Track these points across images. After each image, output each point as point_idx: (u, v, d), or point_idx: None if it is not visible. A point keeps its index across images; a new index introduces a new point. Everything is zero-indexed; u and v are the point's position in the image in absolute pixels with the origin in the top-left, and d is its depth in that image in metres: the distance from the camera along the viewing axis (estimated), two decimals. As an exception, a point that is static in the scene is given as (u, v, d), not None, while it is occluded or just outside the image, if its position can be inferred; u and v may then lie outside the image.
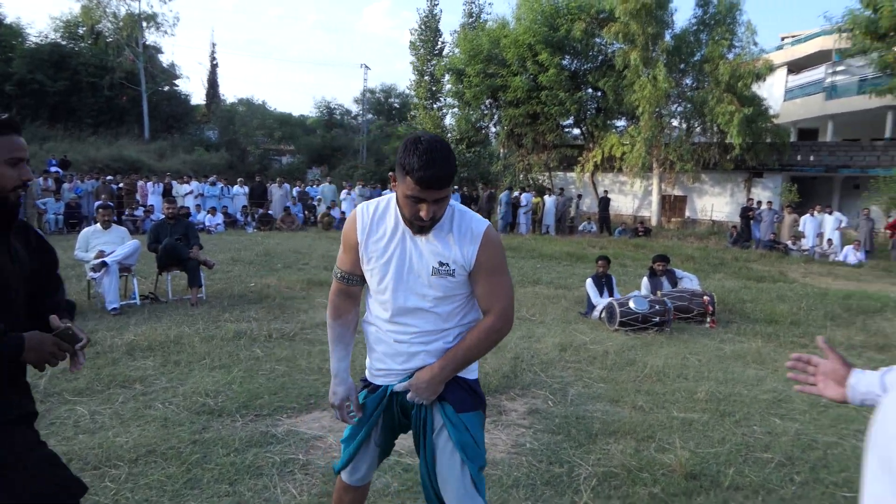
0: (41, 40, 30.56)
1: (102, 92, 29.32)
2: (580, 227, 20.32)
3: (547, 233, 19.68)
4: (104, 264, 6.60)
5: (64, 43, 30.70)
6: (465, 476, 1.91)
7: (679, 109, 23.85)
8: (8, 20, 30.78)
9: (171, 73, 34.08)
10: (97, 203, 14.48)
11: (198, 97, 40.20)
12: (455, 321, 1.97)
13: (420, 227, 1.84)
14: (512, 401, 4.31)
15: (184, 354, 5.13)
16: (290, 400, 4.15)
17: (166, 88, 33.83)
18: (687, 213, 25.27)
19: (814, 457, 3.56)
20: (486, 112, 29.38)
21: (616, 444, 3.62)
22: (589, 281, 7.67)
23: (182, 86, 35.70)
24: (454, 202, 1.94)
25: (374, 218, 1.96)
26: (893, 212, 17.68)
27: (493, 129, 30.61)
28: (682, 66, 22.68)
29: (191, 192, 18.17)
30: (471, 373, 2.02)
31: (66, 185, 16.43)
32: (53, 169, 18.27)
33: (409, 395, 1.93)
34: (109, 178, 18.64)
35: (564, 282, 10.12)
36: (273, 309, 7.03)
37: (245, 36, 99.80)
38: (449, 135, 31.97)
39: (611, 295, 7.50)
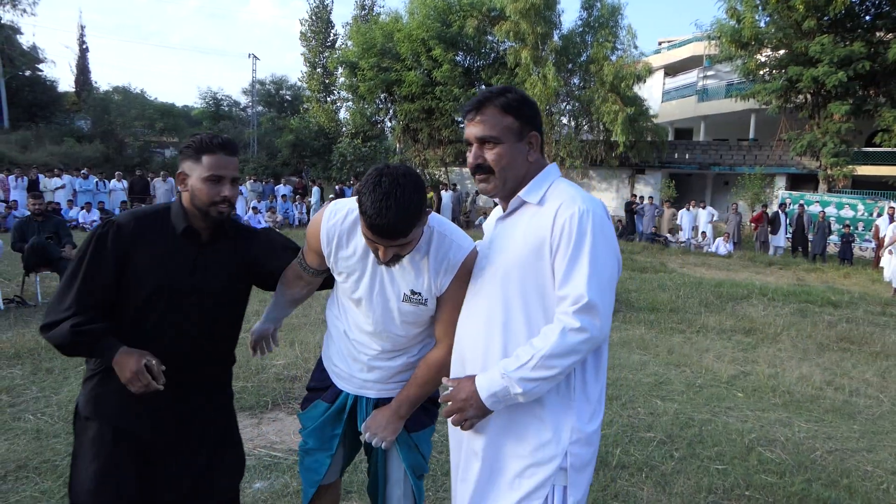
0: None
1: (-52, 75, 26.23)
2: (476, 222, 20.76)
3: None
4: (-41, 265, 5.93)
5: None
6: (407, 486, 1.91)
7: (568, 108, 24.94)
8: None
9: (32, 57, 31.03)
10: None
11: (66, 84, 37.01)
12: (421, 338, 1.90)
13: (384, 263, 1.68)
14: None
15: (57, 361, 4.72)
16: (181, 404, 3.94)
17: (28, 73, 30.79)
18: (576, 208, 26.52)
19: (690, 434, 3.85)
20: (381, 106, 29.23)
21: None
22: None
23: (47, 71, 32.58)
24: (435, 221, 1.78)
25: (343, 232, 1.79)
26: (757, 206, 19.51)
27: (389, 124, 30.53)
28: (569, 65, 23.71)
29: (62, 187, 16.69)
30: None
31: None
32: None
33: (366, 437, 1.84)
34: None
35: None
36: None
37: (117, 19, 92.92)
38: (344, 128, 31.53)
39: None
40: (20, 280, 7.00)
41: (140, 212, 1.90)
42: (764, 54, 21.18)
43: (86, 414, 1.82)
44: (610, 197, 26.03)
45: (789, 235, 17.42)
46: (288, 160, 30.81)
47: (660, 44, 34.92)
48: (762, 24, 20.47)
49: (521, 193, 1.62)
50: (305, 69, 37.05)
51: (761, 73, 21.34)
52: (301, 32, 36.56)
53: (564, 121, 25.23)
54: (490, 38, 24.57)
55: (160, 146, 32.41)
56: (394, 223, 1.53)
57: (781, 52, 20.63)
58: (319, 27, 36.26)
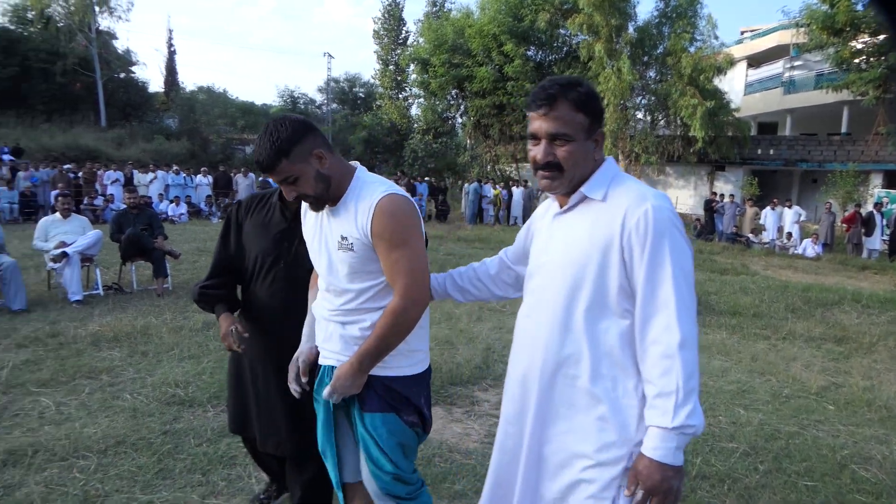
0: (-14, 25, 29.26)
1: (55, 78, 28.21)
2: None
3: (515, 224, 19.81)
4: (65, 255, 6.40)
5: (12, 27, 29.44)
6: (371, 483, 1.88)
7: (643, 102, 24.24)
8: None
9: (126, 60, 33.02)
10: (55, 192, 14.03)
11: (156, 84, 39.13)
12: (371, 304, 1.84)
13: (309, 205, 1.85)
14: (484, 391, 4.34)
15: (151, 345, 5.03)
16: (262, 391, 4.11)
17: (122, 75, 32.79)
18: (651, 206, 25.76)
19: (776, 446, 3.67)
20: (451, 102, 29.36)
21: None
22: None
23: (139, 73, 34.66)
24: (362, 173, 1.86)
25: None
26: (850, 206, 18.33)
27: (460, 120, 30.62)
28: (645, 58, 23.03)
29: (154, 179, 17.72)
30: (391, 369, 1.86)
31: (20, 174, 15.84)
32: (6, 157, 17.60)
33: (325, 393, 1.83)
34: (67, 166, 18.01)
35: (533, 272, 10.21)
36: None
37: (202, 22, 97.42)
38: (415, 125, 31.87)
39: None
40: (118, 268, 7.49)
41: (257, 192, 2.42)
42: (860, 41, 19.77)
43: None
44: (687, 194, 25.12)
45: (886, 237, 16.22)
46: (361, 156, 31.45)
47: (742, 33, 33.32)
48: (859, 8, 19.13)
49: (583, 189, 1.56)
50: (378, 67, 37.64)
51: (856, 61, 19.94)
52: (374, 31, 37.20)
53: (640, 115, 24.55)
54: (562, 31, 24.21)
55: (241, 143, 33.79)
56: (263, 156, 1.73)
57: (881, 37, 19.22)
58: (391, 25, 36.74)
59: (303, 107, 38.34)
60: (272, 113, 39.81)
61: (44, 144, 22.98)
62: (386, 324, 1.77)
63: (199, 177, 19.21)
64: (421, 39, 30.18)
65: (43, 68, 27.94)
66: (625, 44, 21.83)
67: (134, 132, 28.51)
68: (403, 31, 36.99)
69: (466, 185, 20.92)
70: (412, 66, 30.02)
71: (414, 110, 34.35)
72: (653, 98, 23.54)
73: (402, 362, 1.89)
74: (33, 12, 29.28)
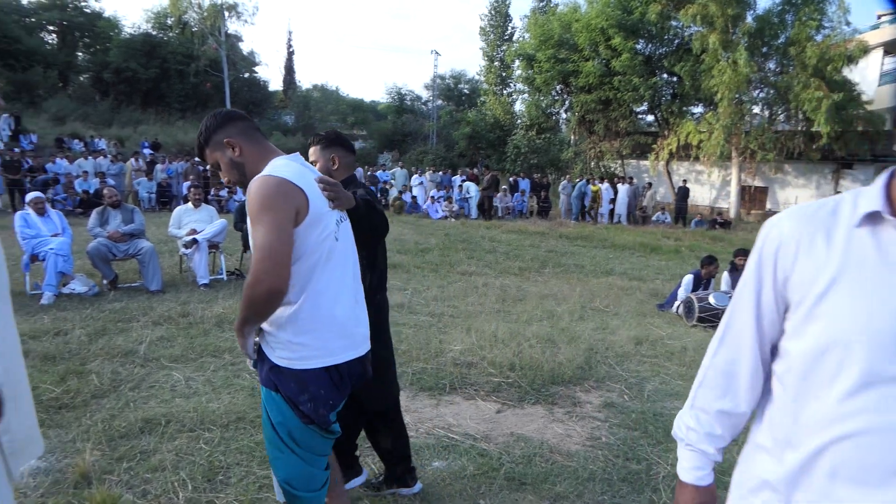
0: (134, 31, 32.53)
1: (189, 79, 30.83)
2: (654, 218, 19.77)
3: (619, 222, 19.27)
4: (195, 241, 6.98)
5: (154, 33, 32.47)
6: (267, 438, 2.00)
7: (761, 95, 22.69)
8: (106, 14, 32.92)
9: (250, 61, 35.34)
10: (187, 183, 15.27)
11: (276, 83, 41.46)
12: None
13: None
14: (586, 392, 4.29)
15: (268, 329, 5.37)
16: (368, 379, 4.28)
17: (246, 75, 35.11)
18: (768, 206, 24.13)
19: None
20: (556, 98, 28.96)
21: (696, 441, 3.54)
22: (689, 277, 7.30)
23: (261, 72, 36.96)
24: (277, 160, 1.92)
25: None
26: None
27: (564, 116, 30.16)
28: (764, 49, 21.50)
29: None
30: (272, 353, 1.89)
31: (158, 166, 17.38)
32: (146, 151, 19.38)
33: None
34: (197, 159, 19.54)
35: (638, 273, 9.91)
36: (349, 290, 7.24)
37: (318, 23, 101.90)
38: (519, 121, 31.71)
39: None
40: (239, 255, 8.06)
41: None
42: None
43: None
44: (808, 194, 23.29)
45: None
46: (464, 152, 31.74)
47: (879, 17, 30.27)
48: None
49: None
50: (483, 63, 37.80)
51: None
52: (480, 27, 37.31)
53: (756, 110, 23.00)
54: (674, 23, 23.12)
55: (350, 138, 35.18)
56: (195, 146, 2.10)
57: None
58: (498, 21, 36.73)
59: (409, 103, 39.23)
60: (379, 109, 41.15)
61: (178, 139, 25.08)
62: (243, 295, 1.80)
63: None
64: (527, 35, 29.96)
65: (179, 70, 30.61)
66: (742, 34, 20.50)
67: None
68: (509, 28, 36.91)
69: (564, 181, 20.56)
70: (517, 62, 29.87)
71: (518, 106, 34.22)
72: (772, 91, 21.95)
73: (282, 352, 1.88)
74: (172, 19, 32.04)
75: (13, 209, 12.76)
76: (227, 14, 31.74)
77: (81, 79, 32.09)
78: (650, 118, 27.80)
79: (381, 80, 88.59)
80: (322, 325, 1.90)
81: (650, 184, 22.14)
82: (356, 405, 2.58)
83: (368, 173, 22.02)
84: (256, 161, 1.95)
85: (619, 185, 20.22)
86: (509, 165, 27.26)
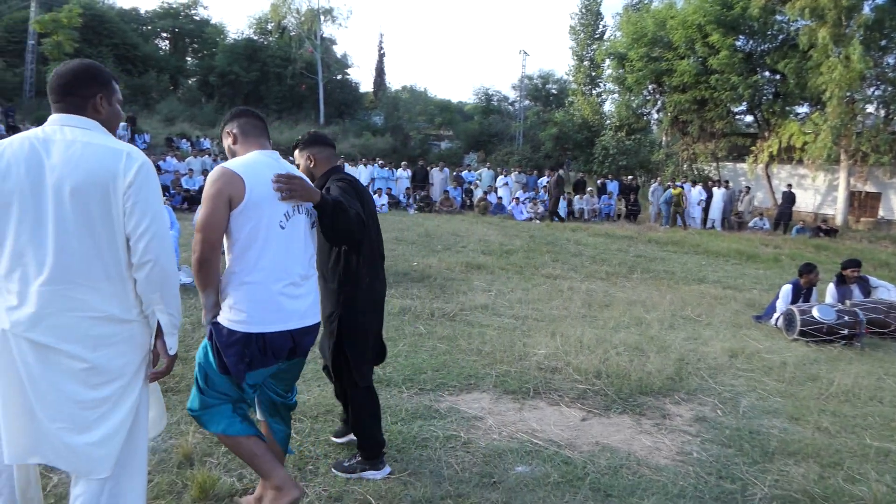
0: (238, 36, 34.42)
1: (286, 81, 32.33)
2: (751, 224, 18.71)
3: (712, 227, 18.39)
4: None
5: (256, 38, 34.26)
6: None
7: (877, 93, 20.93)
8: (213, 21, 35.12)
9: (343, 63, 36.51)
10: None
11: (367, 85, 42.63)
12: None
13: None
14: (676, 405, 4.12)
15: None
16: (451, 378, 4.31)
17: (339, 77, 36.32)
18: (881, 213, 22.24)
19: None
20: (648, 98, 28.10)
21: (796, 466, 3.32)
22: (788, 287, 6.86)
23: (352, 74, 38.18)
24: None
25: None
26: None
27: (656, 116, 29.18)
28: (883, 42, 19.81)
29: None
30: (220, 311, 2.32)
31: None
32: (244, 150, 20.40)
33: None
34: (290, 159, 20.38)
35: (733, 282, 9.42)
36: (434, 288, 7.32)
37: (409, 25, 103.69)
38: (608, 121, 30.96)
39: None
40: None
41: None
42: None
43: None
44: (929, 202, 21.32)
45: None
46: (551, 153, 31.36)
47: None
48: None
49: None
50: (572, 63, 37.21)
51: None
52: (570, 26, 36.72)
53: (870, 109, 21.25)
54: (779, 17, 21.75)
55: (437, 139, 35.60)
56: None
57: None
58: (589, 20, 36.02)
59: (496, 104, 39.20)
60: (466, 109, 41.38)
61: (274, 139, 26.17)
62: None
63: (400, 170, 20.56)
64: (618, 33, 29.25)
65: (277, 72, 32.18)
66: (857, 27, 18.96)
67: (346, 128, 31.48)
68: (600, 26, 36.13)
69: (654, 184, 19.84)
70: (608, 62, 29.23)
71: (607, 106, 33.46)
72: (889, 88, 20.21)
73: (225, 313, 2.28)
74: (272, 24, 33.70)
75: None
76: (322, 18, 32.98)
77: (190, 82, 34.30)
78: (749, 119, 26.40)
79: (469, 81, 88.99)
80: (257, 298, 2.26)
81: (748, 188, 20.97)
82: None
83: (454, 174, 22.16)
84: (241, 153, 2.37)
85: (715, 189, 19.29)
86: (597, 167, 26.67)
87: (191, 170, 17.04)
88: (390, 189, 19.31)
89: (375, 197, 17.98)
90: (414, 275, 8.10)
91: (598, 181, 21.38)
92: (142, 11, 35.89)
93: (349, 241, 2.66)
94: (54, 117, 1.92)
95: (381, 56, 42.65)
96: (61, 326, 1.82)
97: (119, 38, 29.82)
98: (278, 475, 2.35)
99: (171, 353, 2.05)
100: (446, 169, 21.44)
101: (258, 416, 2.62)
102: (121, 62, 29.79)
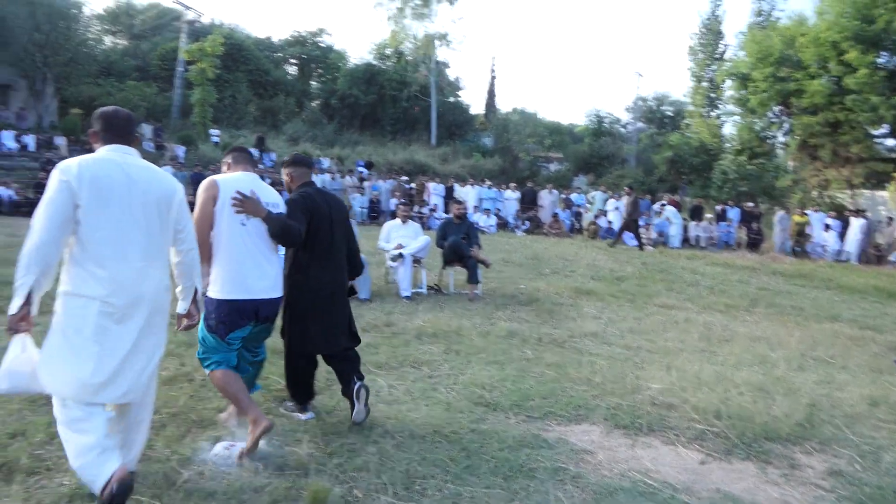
0: (358, 62, 36.21)
1: (401, 104, 33.60)
2: (892, 258, 16.98)
3: (847, 261, 16.88)
4: (401, 255, 7.50)
5: (375, 63, 35.90)
6: None
7: None
8: (336, 47, 37.42)
9: (455, 86, 37.34)
10: (395, 200, 16.50)
11: (477, 107, 43.29)
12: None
13: None
14: (807, 455, 3.79)
15: (463, 345, 5.57)
16: (560, 407, 4.22)
17: (451, 99, 37.17)
18: None
19: None
20: (773, 120, 26.39)
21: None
22: None
23: (464, 97, 38.96)
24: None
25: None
26: None
27: (782, 139, 27.34)
28: None
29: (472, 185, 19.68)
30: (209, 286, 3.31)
31: (366, 184, 19.08)
32: (361, 169, 21.39)
33: None
34: (404, 178, 21.13)
35: (872, 322, 8.56)
36: (542, 313, 7.24)
37: (521, 48, 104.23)
38: (728, 144, 29.40)
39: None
40: (438, 271, 8.49)
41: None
42: None
43: None
44: None
45: None
46: (665, 176, 30.22)
47: None
48: None
49: None
50: (690, 84, 35.77)
51: None
52: (689, 47, 35.36)
53: None
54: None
55: (546, 161, 35.41)
56: None
57: None
58: (709, 39, 34.53)
59: (607, 126, 38.46)
60: (577, 132, 40.90)
61: (388, 159, 27.33)
62: None
63: (508, 191, 20.61)
64: (741, 53, 27.76)
65: (393, 95, 33.56)
66: None
67: (456, 149, 32.09)
68: (721, 46, 34.52)
69: (780, 212, 18.53)
70: (729, 82, 27.80)
71: (727, 129, 31.77)
72: None
73: (211, 287, 3.26)
74: (391, 49, 35.23)
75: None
76: (438, 43, 33.95)
77: (313, 104, 36.39)
78: (891, 142, 24.06)
79: (580, 103, 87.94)
80: (230, 275, 3.23)
81: (890, 218, 19.07)
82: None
83: (563, 196, 21.90)
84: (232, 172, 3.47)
85: (852, 219, 17.71)
86: (714, 192, 25.33)
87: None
88: (499, 210, 19.40)
89: (483, 217, 18.14)
90: (521, 298, 8.06)
91: (717, 207, 20.30)
92: (274, 40, 38.70)
93: (289, 244, 3.61)
94: (120, 147, 2.66)
95: (493, 79, 43.14)
96: (141, 294, 2.59)
97: (253, 64, 32.31)
98: (253, 411, 3.14)
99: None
100: (555, 191, 21.23)
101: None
102: (254, 86, 32.24)
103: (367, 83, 33.57)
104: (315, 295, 3.69)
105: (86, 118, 24.22)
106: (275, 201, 3.43)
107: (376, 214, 18.00)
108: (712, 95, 33.89)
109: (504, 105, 54.75)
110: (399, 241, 7.83)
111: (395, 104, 33.85)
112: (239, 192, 3.20)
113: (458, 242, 7.87)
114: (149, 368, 2.66)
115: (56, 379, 2.46)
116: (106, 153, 2.61)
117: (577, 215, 19.95)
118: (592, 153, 33.78)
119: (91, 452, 2.42)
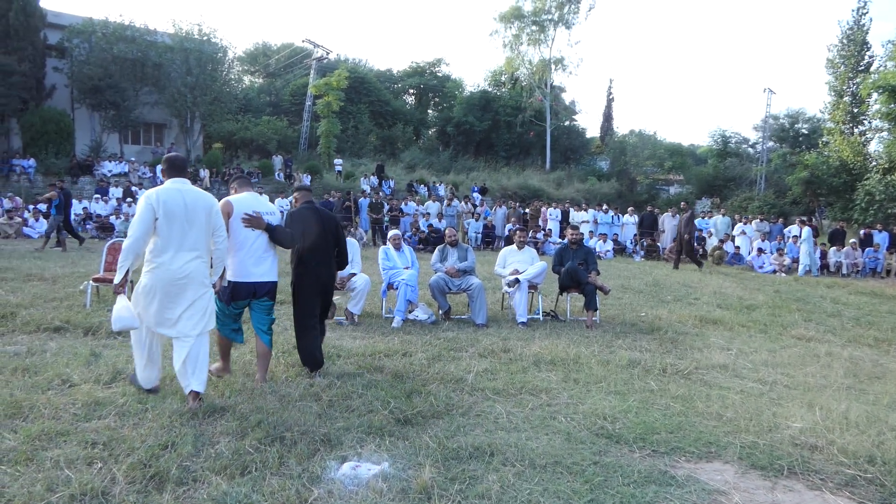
0: (474, 89, 37.03)
1: (515, 129, 33.89)
2: None
3: None
4: (517, 281, 7.50)
5: (490, 89, 36.56)
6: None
7: None
8: (453, 76, 38.62)
9: (571, 110, 37.07)
10: (510, 225, 16.54)
11: (593, 130, 42.68)
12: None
13: None
14: None
15: (582, 374, 5.43)
16: (689, 443, 3.99)
17: (567, 123, 36.91)
18: None
19: None
20: (927, 136, 23.71)
21: None
22: None
23: (579, 120, 38.57)
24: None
25: None
26: None
27: (939, 156, 24.49)
28: None
29: (586, 221, 19.22)
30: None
31: (478, 209, 19.31)
32: (475, 195, 21.70)
33: None
34: (517, 203, 21.19)
35: None
36: (665, 342, 6.93)
37: (640, 69, 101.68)
38: (874, 163, 26.77)
39: None
40: (554, 297, 8.38)
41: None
42: None
43: None
44: None
45: None
46: (799, 198, 28.01)
47: None
48: None
49: None
50: (829, 99, 33.05)
51: None
52: (827, 59, 32.76)
53: None
54: None
55: (666, 183, 34.06)
56: None
57: None
58: (851, 50, 31.81)
59: (733, 146, 36.40)
60: (699, 153, 39.03)
61: (502, 184, 27.56)
62: None
63: (626, 216, 20.01)
64: (889, 63, 25.31)
65: (507, 121, 33.95)
66: None
67: (571, 174, 31.78)
68: (866, 57, 31.67)
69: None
70: (876, 96, 25.38)
71: (873, 146, 28.96)
72: None
73: (227, 272, 4.62)
74: (506, 75, 35.75)
75: (374, 243, 15.39)
76: (553, 68, 33.96)
77: (430, 132, 37.62)
78: None
79: (703, 123, 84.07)
80: (238, 264, 4.63)
81: None
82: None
83: (683, 217, 20.84)
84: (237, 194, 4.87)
85: None
86: (858, 215, 23.11)
87: (427, 213, 18.50)
88: (616, 235, 18.87)
89: (600, 243, 17.73)
90: (642, 326, 7.76)
91: (861, 231, 18.50)
92: (394, 71, 40.56)
93: (286, 246, 4.86)
94: (178, 180, 4.18)
95: (610, 101, 42.40)
96: (194, 272, 4.13)
97: (375, 95, 34.05)
98: (225, 363, 4.89)
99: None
100: (678, 215, 20.30)
101: (255, 333, 4.83)
102: (374, 117, 33.92)
103: (482, 110, 34.20)
104: (315, 282, 5.11)
105: (226, 152, 26.54)
106: (271, 210, 4.83)
107: (491, 239, 18.12)
108: (855, 110, 31.15)
109: (622, 127, 53.54)
110: (515, 266, 7.84)
111: (510, 130, 34.17)
112: (246, 214, 4.59)
113: (575, 268, 7.74)
114: (196, 318, 4.16)
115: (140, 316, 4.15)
116: (171, 184, 4.12)
117: (701, 240, 18.94)
118: (717, 175, 32.07)
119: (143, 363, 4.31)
